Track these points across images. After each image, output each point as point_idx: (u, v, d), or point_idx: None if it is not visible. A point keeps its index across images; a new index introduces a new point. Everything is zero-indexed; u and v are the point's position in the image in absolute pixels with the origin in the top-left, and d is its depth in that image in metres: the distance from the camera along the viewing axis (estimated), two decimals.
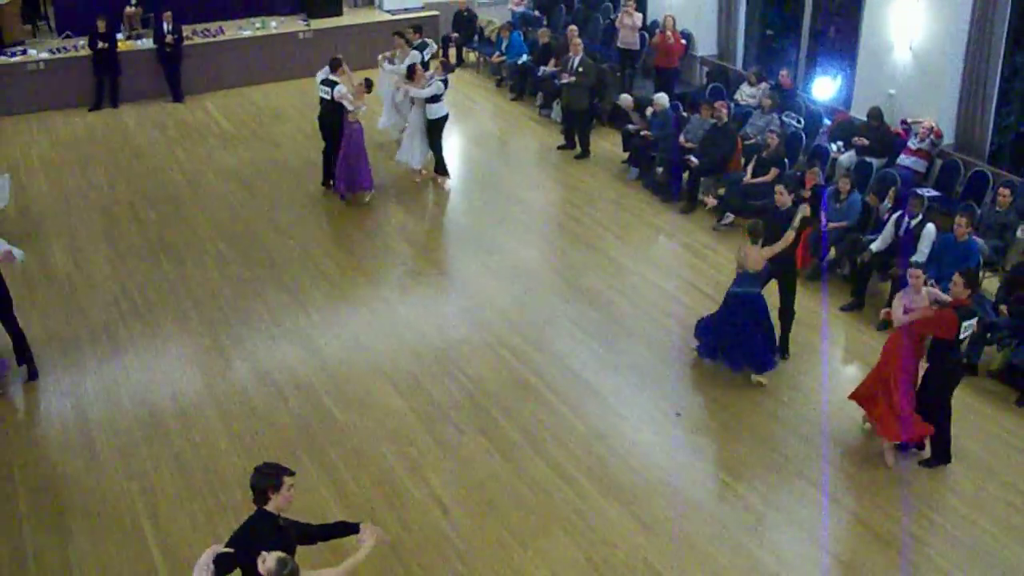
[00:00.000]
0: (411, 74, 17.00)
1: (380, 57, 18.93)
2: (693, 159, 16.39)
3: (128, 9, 23.29)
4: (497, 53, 22.83)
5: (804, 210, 11.81)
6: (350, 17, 24.77)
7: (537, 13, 24.44)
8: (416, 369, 12.25)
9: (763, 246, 11.53)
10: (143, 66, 21.95)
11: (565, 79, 18.50)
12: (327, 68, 16.98)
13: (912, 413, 10.31)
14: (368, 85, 16.82)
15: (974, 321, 10.24)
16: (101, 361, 12.65)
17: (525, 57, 22.07)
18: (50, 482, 10.46)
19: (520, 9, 24.70)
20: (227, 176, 18.22)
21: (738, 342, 11.79)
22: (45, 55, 22.21)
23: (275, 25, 23.96)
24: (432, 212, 16.69)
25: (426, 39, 19.80)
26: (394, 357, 12.53)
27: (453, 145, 19.67)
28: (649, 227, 15.98)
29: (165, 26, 21.83)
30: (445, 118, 17.19)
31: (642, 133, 17.59)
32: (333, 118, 16.77)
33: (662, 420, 11.26)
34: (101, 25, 21.22)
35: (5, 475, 10.61)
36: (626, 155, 17.99)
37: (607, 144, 19.06)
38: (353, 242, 15.52)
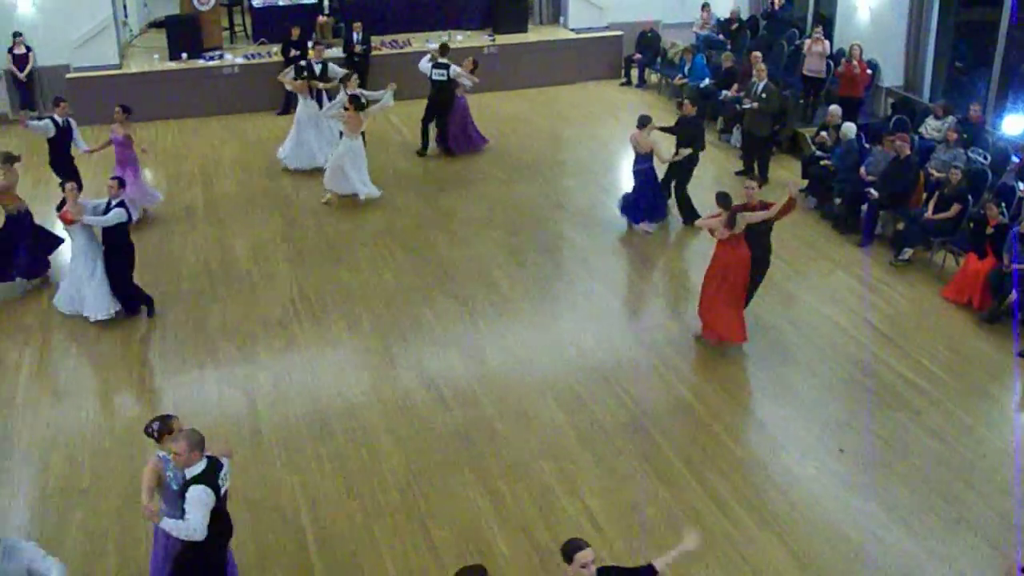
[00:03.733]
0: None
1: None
2: (873, 192, 16.02)
3: (321, 18, 24.03)
4: (679, 75, 22.74)
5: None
6: (535, 34, 25.02)
7: (721, 37, 24.25)
8: (580, 386, 12.26)
9: None
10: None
11: (747, 104, 18.32)
12: (430, 57, 19.98)
13: None
14: (475, 64, 19.78)
15: None
16: (274, 356, 13.04)
17: (707, 81, 21.93)
18: None
19: (704, 32, 24.55)
20: (406, 185, 18.57)
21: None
22: (240, 60, 23.11)
23: (461, 39, 24.34)
24: (606, 233, 16.65)
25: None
26: (558, 372, 12.57)
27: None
28: (824, 258, 15.68)
29: (355, 36, 22.41)
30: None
31: (823, 163, 17.28)
32: (446, 95, 19.68)
33: (824, 455, 11.02)
34: (295, 33, 21.91)
35: None
36: (804, 183, 17.69)
37: (785, 172, 18.77)
38: (527, 257, 15.62)
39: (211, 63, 22.95)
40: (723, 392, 12.13)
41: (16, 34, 22.30)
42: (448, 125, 20.13)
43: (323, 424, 11.58)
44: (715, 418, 11.59)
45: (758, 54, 19.62)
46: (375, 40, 23.17)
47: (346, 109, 17.42)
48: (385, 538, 9.80)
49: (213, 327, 13.57)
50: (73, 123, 16.76)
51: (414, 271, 15.22)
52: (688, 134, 16.95)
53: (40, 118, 17.40)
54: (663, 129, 17.12)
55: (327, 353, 13.17)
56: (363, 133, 17.80)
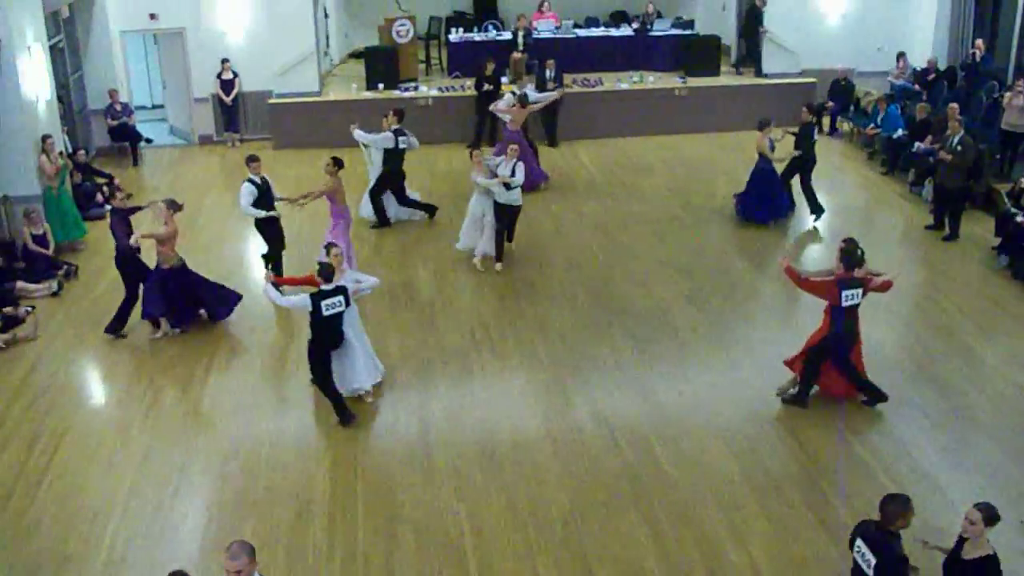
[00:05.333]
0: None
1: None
2: None
3: (514, 55, 24.39)
4: (872, 125, 22.32)
5: None
6: (727, 78, 24.90)
7: (917, 87, 23.72)
8: (753, 434, 12.09)
9: None
10: None
11: (941, 157, 17.86)
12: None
13: None
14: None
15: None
16: (450, 385, 13.26)
17: (900, 131, 21.45)
18: (388, 490, 11.04)
19: (900, 82, 24.06)
20: (590, 222, 18.69)
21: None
22: (434, 92, 23.63)
23: (652, 80, 24.41)
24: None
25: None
26: (732, 419, 12.41)
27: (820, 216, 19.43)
28: (1015, 320, 15.10)
29: (548, 73, 22.69)
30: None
31: (1018, 220, 16.72)
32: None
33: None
34: (489, 68, 22.30)
35: (351, 476, 11.35)
36: (997, 241, 17.13)
37: (978, 228, 18.21)
38: (707, 301, 15.51)
39: (406, 94, 23.55)
40: (898, 450, 11.76)
41: (224, 60, 23.31)
42: None
43: (493, 455, 11.70)
44: (889, 477, 11.24)
45: (955, 106, 19.10)
46: (567, 78, 23.40)
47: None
48: (546, 572, 9.82)
49: (392, 352, 13.86)
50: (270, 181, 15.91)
51: (593, 308, 15.28)
52: (802, 139, 18.69)
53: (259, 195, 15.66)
54: (794, 134, 18.76)
55: (502, 384, 13.32)
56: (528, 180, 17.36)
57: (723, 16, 26.93)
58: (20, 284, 15.97)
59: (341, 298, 11.94)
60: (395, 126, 18.15)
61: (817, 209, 18.75)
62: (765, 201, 18.56)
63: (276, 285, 12.85)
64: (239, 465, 11.62)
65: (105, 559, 10.13)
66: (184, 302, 14.77)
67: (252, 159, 15.45)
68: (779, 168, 18.48)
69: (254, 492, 11.16)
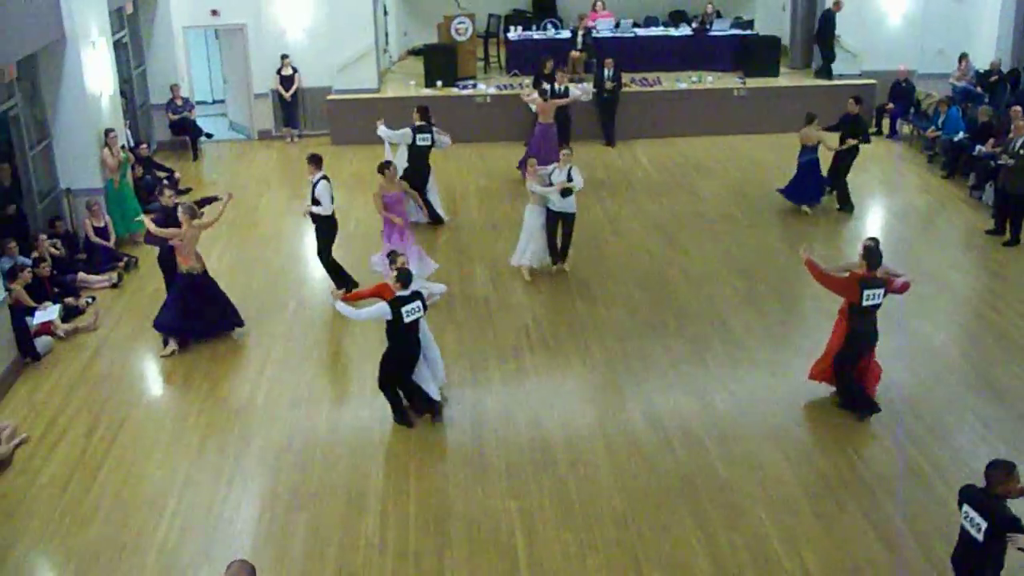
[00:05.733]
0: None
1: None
2: None
3: (573, 53, 24.40)
4: (932, 127, 22.05)
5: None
6: (786, 79, 24.73)
7: (979, 89, 23.41)
8: (807, 438, 12.00)
9: None
10: (581, 108, 22.82)
11: (1003, 161, 17.63)
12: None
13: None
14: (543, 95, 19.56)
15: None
16: (504, 382, 13.28)
17: (962, 134, 21.18)
18: (440, 488, 11.07)
19: (962, 84, 23.74)
20: (647, 222, 18.64)
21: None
22: (492, 91, 23.67)
23: (711, 80, 24.30)
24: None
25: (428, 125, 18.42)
26: (787, 422, 12.33)
27: (876, 218, 19.24)
28: None
29: (606, 72, 22.64)
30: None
31: None
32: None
33: None
34: (547, 66, 22.24)
35: (404, 472, 11.42)
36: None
37: None
38: (764, 302, 15.41)
39: (464, 91, 23.60)
40: (956, 460, 11.57)
41: (284, 56, 23.48)
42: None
43: (546, 453, 11.70)
44: (947, 486, 11.01)
45: (1018, 109, 18.81)
46: (625, 77, 23.34)
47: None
48: (597, 572, 9.81)
49: (447, 349, 13.87)
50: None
51: (649, 308, 15.24)
52: (851, 129, 19.12)
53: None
54: (828, 128, 19.19)
55: (556, 383, 13.32)
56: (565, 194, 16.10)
57: (783, 16, 26.70)
58: (81, 275, 16.20)
59: (419, 303, 11.80)
60: (417, 123, 18.07)
61: (846, 204, 19.40)
62: (805, 189, 19.25)
63: (346, 301, 12.32)
64: (293, 458, 11.70)
65: (159, 548, 10.24)
66: (200, 313, 14.27)
67: (319, 160, 15.41)
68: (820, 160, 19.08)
69: (307, 485, 11.23)
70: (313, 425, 12.43)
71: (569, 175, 15.86)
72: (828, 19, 24.11)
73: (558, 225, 16.19)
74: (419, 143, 18.04)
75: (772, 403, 12.76)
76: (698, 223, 18.59)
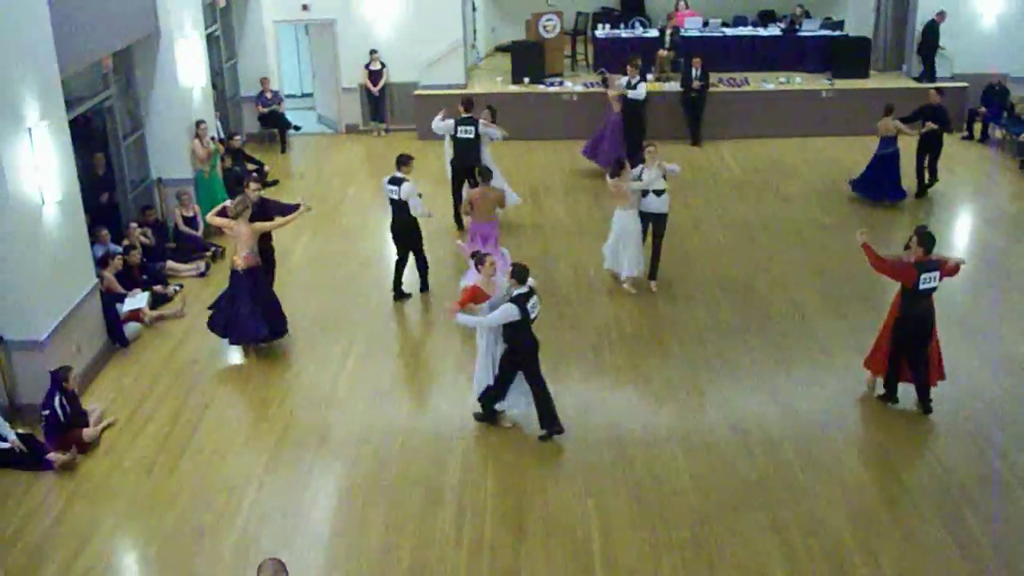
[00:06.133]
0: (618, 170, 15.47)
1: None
2: None
3: (660, 52, 24.27)
4: None
5: None
6: (876, 80, 24.37)
7: None
8: (889, 445, 11.83)
9: None
10: (666, 108, 22.72)
11: None
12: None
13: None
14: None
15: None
16: (583, 380, 13.28)
17: None
18: (517, 483, 11.12)
19: None
20: (731, 223, 18.51)
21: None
22: (579, 88, 23.64)
23: (799, 81, 24.04)
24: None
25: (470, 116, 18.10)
26: (868, 429, 12.20)
27: (965, 223, 18.92)
28: None
29: (693, 72, 22.50)
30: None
31: None
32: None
33: None
34: (635, 64, 22.16)
35: (481, 467, 11.50)
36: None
37: None
38: (848, 307, 15.21)
39: (551, 88, 23.60)
40: None
41: (372, 51, 23.66)
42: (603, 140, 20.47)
43: (623, 451, 11.68)
44: None
45: None
46: (712, 77, 23.18)
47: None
48: (671, 573, 9.77)
49: None
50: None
51: (731, 309, 15.13)
52: (931, 116, 19.42)
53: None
54: (904, 120, 19.25)
55: (635, 382, 13.28)
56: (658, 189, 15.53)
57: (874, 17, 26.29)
58: (170, 263, 16.49)
59: (536, 297, 11.70)
60: (461, 115, 17.88)
61: (923, 191, 19.77)
62: (882, 185, 19.43)
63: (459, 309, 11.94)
64: (372, 450, 11.80)
65: (239, 533, 10.39)
66: (250, 312, 13.71)
67: (408, 160, 15.27)
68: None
69: (385, 477, 11.33)
70: (393, 418, 12.53)
71: (664, 173, 15.31)
72: (932, 30, 23.71)
73: (647, 227, 15.77)
74: (461, 135, 17.87)
75: (854, 409, 12.61)
76: (783, 225, 18.39)
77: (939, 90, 19.68)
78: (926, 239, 11.98)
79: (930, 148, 19.55)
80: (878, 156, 19.24)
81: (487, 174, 15.48)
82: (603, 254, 16.08)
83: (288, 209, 14.91)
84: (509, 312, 11.40)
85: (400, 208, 15.17)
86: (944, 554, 10.06)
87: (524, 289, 11.53)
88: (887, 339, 12.49)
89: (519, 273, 11.51)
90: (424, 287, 15.63)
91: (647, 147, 15.62)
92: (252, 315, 13.69)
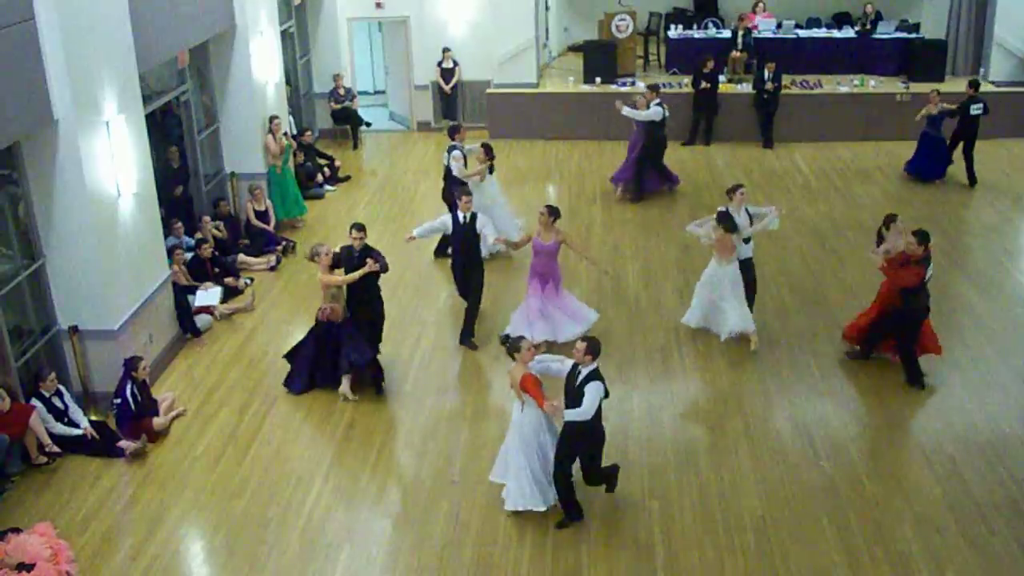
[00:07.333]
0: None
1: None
2: None
3: (734, 53, 24.11)
4: None
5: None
6: (952, 83, 23.99)
7: None
8: (958, 456, 11.64)
9: None
10: (740, 109, 22.57)
11: None
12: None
13: None
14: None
15: None
16: (651, 381, 13.26)
17: None
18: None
19: None
20: (803, 227, 18.33)
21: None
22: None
23: (874, 84, 23.73)
24: (1007, 298, 15.71)
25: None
26: (937, 438, 12.01)
27: None
28: None
29: (766, 74, 22.33)
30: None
31: None
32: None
33: None
34: (708, 65, 22.08)
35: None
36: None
37: None
38: None
39: (623, 89, 23.52)
40: None
41: (445, 49, 23.75)
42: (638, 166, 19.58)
43: (689, 454, 11.64)
44: None
45: None
46: (786, 79, 22.99)
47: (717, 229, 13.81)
48: None
49: None
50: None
51: (801, 314, 15.00)
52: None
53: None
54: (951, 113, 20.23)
55: (703, 385, 13.23)
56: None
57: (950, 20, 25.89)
58: (242, 257, 16.68)
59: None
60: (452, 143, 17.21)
61: (972, 180, 20.35)
62: (931, 162, 20.61)
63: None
64: (437, 446, 11.87)
65: (303, 525, 10.50)
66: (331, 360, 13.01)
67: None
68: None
69: (449, 473, 11.40)
70: (459, 413, 12.59)
71: (749, 215, 14.00)
72: None
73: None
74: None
75: (924, 419, 12.47)
76: (855, 230, 18.16)
77: (971, 83, 20.47)
78: (924, 237, 12.93)
79: (963, 138, 20.40)
80: (926, 136, 20.73)
81: (554, 212, 13.77)
82: (687, 321, 14.36)
83: (371, 254, 13.00)
84: (600, 392, 10.06)
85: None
86: (1015, 570, 9.91)
87: (596, 365, 10.19)
88: (877, 324, 13.41)
89: (594, 348, 10.09)
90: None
91: (739, 190, 14.08)
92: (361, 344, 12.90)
